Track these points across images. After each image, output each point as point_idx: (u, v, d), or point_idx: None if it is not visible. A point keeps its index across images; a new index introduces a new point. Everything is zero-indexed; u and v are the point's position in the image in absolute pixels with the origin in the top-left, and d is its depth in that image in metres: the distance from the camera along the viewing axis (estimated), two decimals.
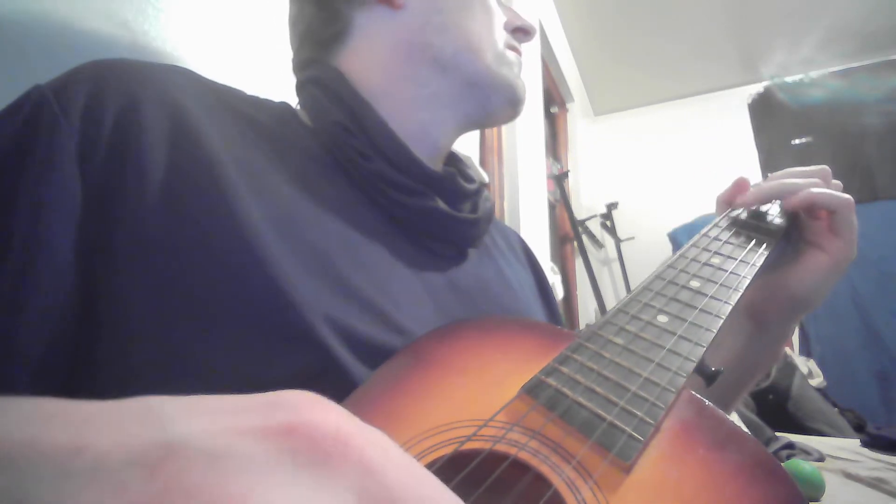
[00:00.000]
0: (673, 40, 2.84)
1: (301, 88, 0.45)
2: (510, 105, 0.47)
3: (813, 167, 0.46)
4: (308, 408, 0.14)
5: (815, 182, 0.43)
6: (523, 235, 1.70)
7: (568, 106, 3.05)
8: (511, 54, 0.47)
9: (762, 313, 0.45)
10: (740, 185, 0.49)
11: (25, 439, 0.13)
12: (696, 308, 0.33)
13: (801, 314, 0.44)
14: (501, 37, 0.47)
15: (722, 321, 0.32)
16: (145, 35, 0.53)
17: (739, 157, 2.96)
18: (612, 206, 3.15)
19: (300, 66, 0.48)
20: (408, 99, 0.44)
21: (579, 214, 2.89)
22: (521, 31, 0.49)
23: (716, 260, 0.39)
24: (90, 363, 0.27)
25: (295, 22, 0.47)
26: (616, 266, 3.13)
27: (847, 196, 0.42)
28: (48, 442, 0.13)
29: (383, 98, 0.43)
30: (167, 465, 0.12)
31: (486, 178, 1.61)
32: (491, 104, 0.46)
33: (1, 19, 0.41)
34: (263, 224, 0.31)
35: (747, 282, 0.36)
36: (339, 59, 0.45)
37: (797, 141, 2.81)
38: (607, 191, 3.30)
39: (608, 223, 3.14)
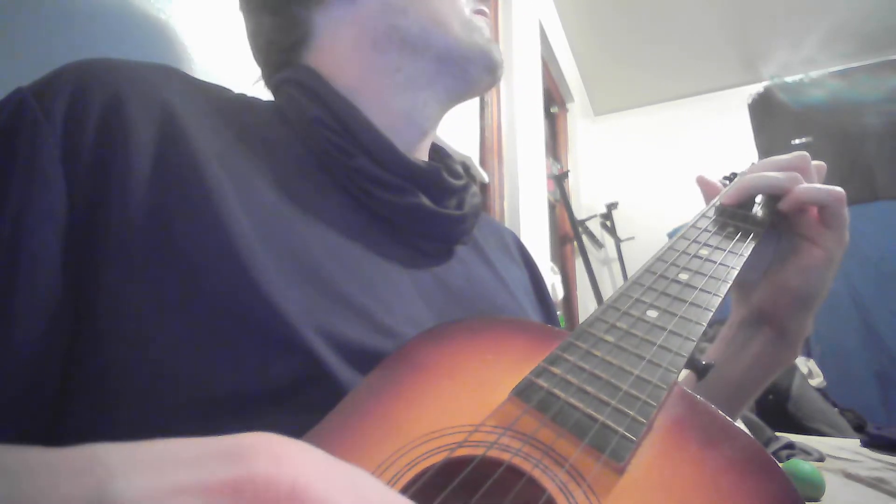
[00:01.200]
0: (673, 40, 2.84)
1: (277, 91, 0.44)
2: (488, 72, 0.46)
3: (791, 154, 0.45)
4: (263, 458, 0.13)
5: (795, 177, 0.43)
6: (523, 235, 1.69)
7: (568, 106, 3.05)
8: (479, 18, 0.46)
9: (773, 315, 0.44)
10: (705, 185, 0.51)
11: None
12: (685, 302, 0.33)
13: (810, 308, 0.43)
14: (467, 3, 0.45)
15: (711, 314, 0.32)
16: (145, 35, 0.53)
17: (739, 158, 2.95)
18: (612, 206, 3.15)
19: (271, 73, 0.46)
20: (384, 88, 0.43)
21: (579, 214, 2.89)
22: None
23: (704, 251, 0.39)
24: (91, 360, 0.27)
25: (255, 36, 0.47)
26: (616, 266, 3.13)
27: (836, 189, 0.41)
28: None
29: (360, 91, 0.42)
30: None
31: (486, 178, 1.61)
32: (469, 75, 0.45)
33: None
34: (248, 230, 0.30)
35: (736, 272, 0.36)
36: (308, 61, 0.44)
37: (797, 141, 2.78)
38: (607, 191, 3.30)
39: (608, 223, 3.14)
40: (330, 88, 0.41)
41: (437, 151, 0.51)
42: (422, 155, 0.47)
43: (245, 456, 0.13)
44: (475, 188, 0.49)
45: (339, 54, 0.43)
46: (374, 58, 0.43)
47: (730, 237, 0.41)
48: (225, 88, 0.41)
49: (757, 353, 0.45)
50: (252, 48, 0.48)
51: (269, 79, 0.47)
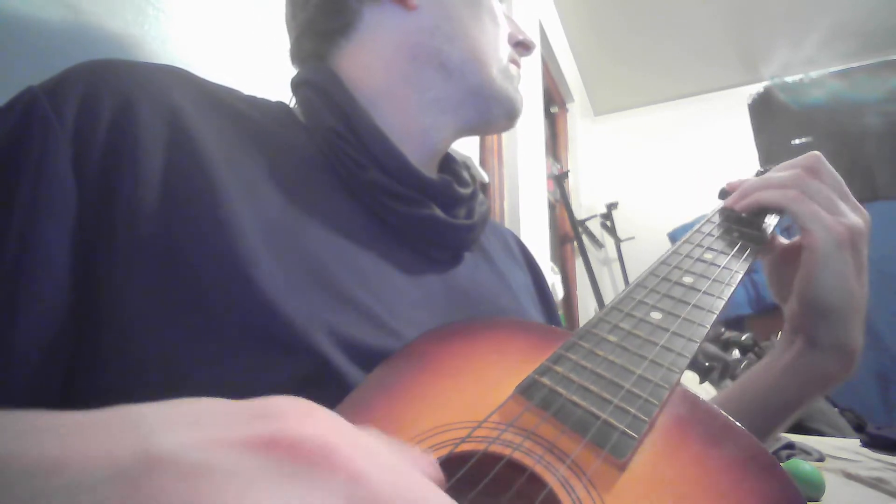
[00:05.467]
0: (673, 40, 2.84)
1: (296, 89, 0.44)
2: (508, 118, 0.48)
3: (795, 161, 0.45)
4: (294, 417, 0.14)
5: (763, 184, 0.44)
6: (523, 235, 1.70)
7: (568, 106, 3.05)
8: (513, 68, 0.48)
9: (799, 325, 0.43)
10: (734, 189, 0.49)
11: (7, 454, 0.12)
12: (688, 304, 0.33)
13: (831, 315, 0.40)
14: (506, 50, 0.48)
15: (715, 316, 0.32)
16: (145, 35, 0.53)
17: (739, 157, 2.95)
18: (612, 206, 3.15)
19: (297, 58, 0.48)
20: (409, 101, 0.44)
21: (579, 214, 2.89)
22: (522, 46, 0.50)
23: (708, 255, 0.39)
24: (95, 362, 0.27)
25: (297, 8, 0.46)
26: (616, 266, 3.13)
27: (788, 192, 0.41)
28: (30, 456, 0.12)
29: (384, 99, 0.43)
30: (149, 479, 0.12)
31: (486, 178, 1.61)
32: (491, 115, 0.47)
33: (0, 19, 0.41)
34: (254, 232, 0.30)
35: (739, 277, 0.37)
36: (339, 55, 0.44)
37: (797, 141, 2.81)
38: (607, 191, 3.30)
39: (608, 223, 3.14)
40: (349, 97, 0.41)
41: (446, 157, 0.52)
42: (431, 171, 0.48)
43: (277, 415, 0.14)
44: (482, 195, 0.50)
45: (374, 57, 0.44)
46: (409, 70, 0.44)
47: (734, 242, 0.41)
48: (234, 90, 0.41)
49: (786, 365, 0.43)
50: (289, 17, 0.48)
51: (294, 60, 0.48)
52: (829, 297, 0.40)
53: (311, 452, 0.13)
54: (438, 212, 0.42)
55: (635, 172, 3.33)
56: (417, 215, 0.41)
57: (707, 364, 0.30)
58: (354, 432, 0.15)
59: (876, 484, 0.83)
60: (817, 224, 0.39)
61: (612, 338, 0.30)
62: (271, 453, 0.13)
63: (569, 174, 2.78)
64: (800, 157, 0.45)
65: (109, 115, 0.30)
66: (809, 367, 0.42)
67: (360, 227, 0.39)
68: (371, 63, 0.44)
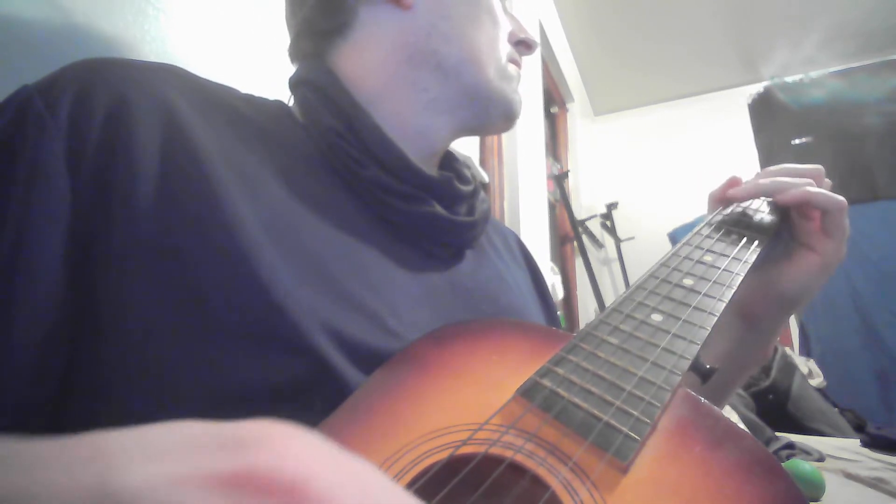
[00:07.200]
0: (673, 40, 2.84)
1: (294, 88, 0.44)
2: (505, 119, 0.47)
3: (808, 166, 0.46)
4: (270, 447, 0.13)
5: (809, 182, 0.44)
6: (523, 235, 1.70)
7: (568, 106, 3.05)
8: (512, 68, 0.47)
9: (753, 312, 0.45)
10: (733, 183, 0.49)
11: None
12: (689, 306, 0.33)
13: (791, 311, 0.45)
14: (505, 50, 0.47)
15: (716, 318, 0.32)
16: (145, 35, 0.53)
17: (739, 157, 2.95)
18: (612, 206, 3.15)
19: (295, 56, 0.48)
20: (406, 102, 0.44)
21: (579, 214, 2.89)
22: (523, 45, 0.49)
23: (708, 258, 0.39)
24: (93, 360, 0.27)
25: (295, 6, 0.46)
26: (616, 266, 3.13)
27: (840, 198, 0.42)
28: None
29: (380, 99, 0.43)
30: None
31: (486, 178, 1.61)
32: (487, 116, 0.46)
33: (0, 19, 0.41)
34: (256, 229, 0.30)
35: (740, 279, 0.37)
36: (336, 54, 0.44)
37: (797, 141, 2.81)
38: (607, 191, 3.30)
39: (608, 223, 3.14)
40: (348, 96, 0.41)
41: (447, 155, 0.51)
42: (431, 169, 0.48)
43: (249, 447, 0.13)
44: (483, 193, 0.49)
45: (370, 57, 0.43)
46: (405, 71, 0.43)
47: (734, 243, 0.41)
48: (231, 88, 0.41)
49: (730, 350, 0.46)
50: (288, 15, 0.48)
51: (292, 58, 0.48)
52: (805, 296, 0.44)
53: (277, 493, 0.12)
54: (439, 209, 0.41)
55: (635, 172, 3.33)
56: (418, 212, 0.40)
57: (709, 366, 0.30)
58: (336, 463, 0.14)
59: (876, 484, 0.83)
60: (844, 238, 0.42)
61: (613, 340, 0.30)
62: (235, 494, 0.12)
63: (569, 174, 2.78)
64: (806, 167, 0.46)
65: (104, 112, 0.29)
66: (748, 350, 0.46)
67: (361, 224, 0.38)
68: (368, 63, 0.43)
